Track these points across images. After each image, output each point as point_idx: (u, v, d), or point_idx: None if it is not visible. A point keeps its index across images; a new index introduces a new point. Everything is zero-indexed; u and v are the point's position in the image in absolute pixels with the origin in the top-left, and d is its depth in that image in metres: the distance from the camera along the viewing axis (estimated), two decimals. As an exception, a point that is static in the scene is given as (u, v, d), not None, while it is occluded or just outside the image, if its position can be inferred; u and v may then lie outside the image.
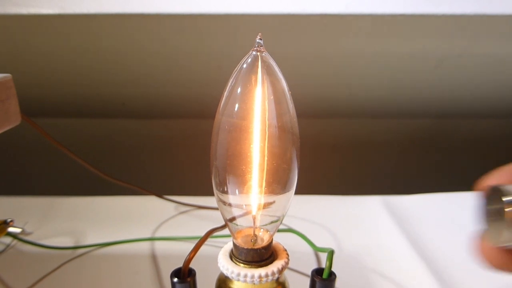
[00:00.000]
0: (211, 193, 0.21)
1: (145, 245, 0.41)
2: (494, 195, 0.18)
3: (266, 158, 0.20)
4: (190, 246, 0.22)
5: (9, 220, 0.39)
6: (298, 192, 0.22)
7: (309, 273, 0.22)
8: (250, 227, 0.22)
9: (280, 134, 0.20)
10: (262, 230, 0.23)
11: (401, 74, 0.58)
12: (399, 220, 0.46)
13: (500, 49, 0.53)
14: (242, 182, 0.21)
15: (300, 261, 0.37)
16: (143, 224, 0.45)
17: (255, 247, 0.21)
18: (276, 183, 0.21)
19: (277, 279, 0.21)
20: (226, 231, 0.24)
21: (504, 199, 0.18)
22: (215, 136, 0.20)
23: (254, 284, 0.21)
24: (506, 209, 0.17)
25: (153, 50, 0.54)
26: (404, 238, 0.42)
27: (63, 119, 0.66)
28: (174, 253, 0.39)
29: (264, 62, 0.20)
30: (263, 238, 0.22)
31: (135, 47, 0.54)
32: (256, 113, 0.20)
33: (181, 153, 0.68)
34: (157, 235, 0.43)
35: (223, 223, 0.23)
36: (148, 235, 0.42)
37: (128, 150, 0.69)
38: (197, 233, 0.28)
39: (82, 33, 0.51)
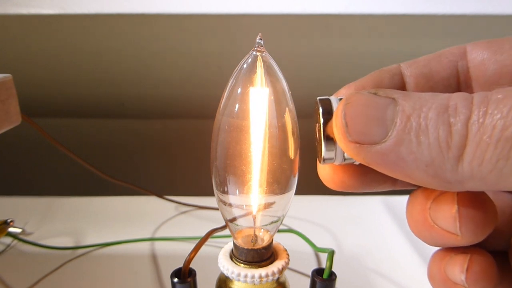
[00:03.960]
0: (211, 193, 0.21)
1: (145, 245, 0.41)
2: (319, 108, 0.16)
3: (266, 158, 0.20)
4: (191, 246, 0.22)
5: (9, 220, 0.39)
6: (298, 192, 0.22)
7: (309, 273, 0.22)
8: (251, 227, 0.22)
9: (280, 134, 0.20)
10: (262, 230, 0.23)
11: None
12: (399, 220, 0.46)
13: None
14: (242, 182, 0.21)
15: (300, 261, 0.37)
16: (143, 224, 0.45)
17: (255, 247, 0.21)
18: (276, 183, 0.21)
19: (277, 279, 0.21)
20: (226, 231, 0.24)
21: (320, 110, 0.15)
22: (215, 136, 0.20)
23: (254, 284, 0.21)
24: (321, 119, 0.15)
25: (153, 50, 0.54)
26: (404, 238, 0.42)
27: (63, 119, 0.66)
28: (174, 253, 0.39)
29: (264, 62, 0.20)
30: (263, 238, 0.22)
31: (135, 47, 0.54)
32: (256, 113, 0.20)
33: (181, 153, 0.68)
34: (157, 235, 0.43)
35: (223, 223, 0.23)
36: (148, 235, 0.42)
37: (128, 150, 0.69)
38: (198, 233, 0.28)
39: (82, 33, 0.51)
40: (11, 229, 0.40)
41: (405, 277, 0.36)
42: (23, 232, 0.42)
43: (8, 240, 0.40)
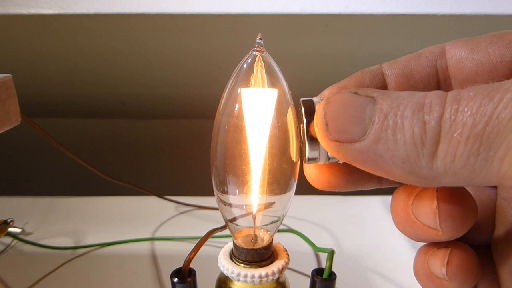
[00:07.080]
0: (211, 193, 0.21)
1: (145, 245, 0.41)
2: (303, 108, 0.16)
3: (266, 158, 0.20)
4: (190, 246, 0.22)
5: (9, 220, 0.39)
6: (298, 192, 0.22)
7: (309, 273, 0.22)
8: (250, 227, 0.22)
9: (280, 134, 0.20)
10: (262, 230, 0.23)
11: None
12: (399, 220, 0.46)
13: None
14: (242, 182, 0.21)
15: (300, 261, 0.37)
16: (143, 224, 0.45)
17: (255, 247, 0.21)
18: (276, 183, 0.21)
19: (277, 279, 0.21)
20: (226, 231, 0.24)
21: (303, 112, 0.16)
22: (215, 136, 0.20)
23: (254, 284, 0.21)
24: (304, 120, 0.16)
25: (153, 50, 0.54)
26: (404, 238, 0.42)
27: (63, 119, 0.66)
28: (174, 253, 0.39)
29: (264, 62, 0.20)
30: (263, 238, 0.22)
31: (135, 47, 0.54)
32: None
33: (181, 153, 0.68)
34: (157, 235, 0.43)
35: (223, 223, 0.23)
36: (148, 235, 0.42)
37: (128, 150, 0.69)
38: (197, 233, 0.28)
39: (82, 33, 0.51)
40: (11, 229, 0.40)
41: (404, 277, 0.36)
42: (23, 232, 0.42)
43: (8, 240, 0.40)
